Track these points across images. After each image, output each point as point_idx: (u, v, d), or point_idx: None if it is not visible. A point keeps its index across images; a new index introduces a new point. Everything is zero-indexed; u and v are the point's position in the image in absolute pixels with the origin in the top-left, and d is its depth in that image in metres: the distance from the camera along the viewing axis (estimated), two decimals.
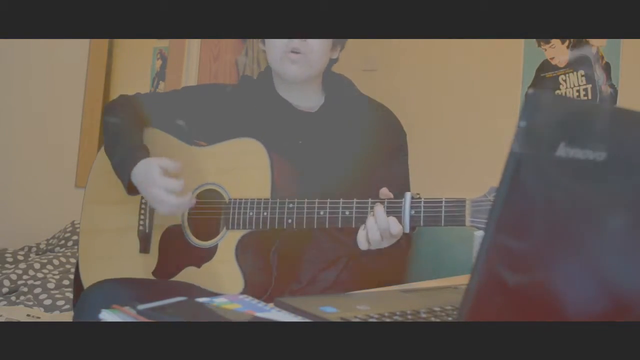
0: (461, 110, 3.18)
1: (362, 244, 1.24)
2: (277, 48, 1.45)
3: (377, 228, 1.20)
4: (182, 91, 1.65)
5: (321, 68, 1.50)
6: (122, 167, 1.42)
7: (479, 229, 1.13)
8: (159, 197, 1.33)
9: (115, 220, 1.54)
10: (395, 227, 1.19)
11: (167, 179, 1.33)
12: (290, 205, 1.31)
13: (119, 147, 1.46)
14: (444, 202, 1.16)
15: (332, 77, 1.57)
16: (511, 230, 0.58)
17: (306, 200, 1.30)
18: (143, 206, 1.52)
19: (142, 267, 1.49)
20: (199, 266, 1.41)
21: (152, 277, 1.47)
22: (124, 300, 0.82)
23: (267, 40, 1.50)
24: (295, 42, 1.43)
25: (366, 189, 1.47)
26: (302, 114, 1.53)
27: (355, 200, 1.25)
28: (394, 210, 1.20)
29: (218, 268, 1.38)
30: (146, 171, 1.37)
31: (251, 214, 1.34)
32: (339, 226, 1.27)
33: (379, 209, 1.20)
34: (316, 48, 1.45)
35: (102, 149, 1.56)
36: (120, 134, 1.49)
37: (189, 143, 1.52)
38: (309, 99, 1.53)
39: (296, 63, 1.44)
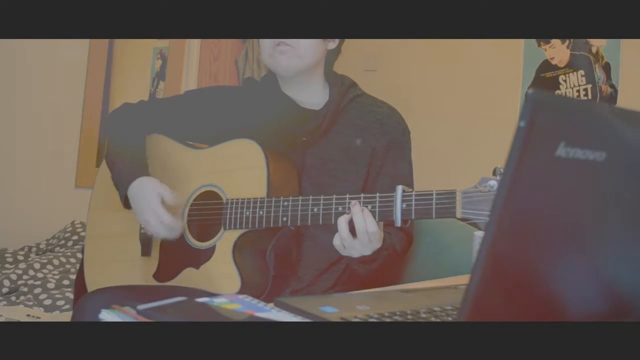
0: (461, 110, 3.19)
1: (338, 246, 1.25)
2: (266, 45, 1.47)
3: (347, 228, 1.22)
4: (185, 95, 1.66)
5: (314, 59, 1.49)
6: (120, 182, 1.47)
7: (471, 220, 1.13)
8: (151, 222, 1.40)
9: (118, 225, 1.55)
10: (372, 226, 1.20)
11: (163, 211, 1.39)
12: (285, 203, 1.31)
13: (119, 160, 1.50)
14: (434, 195, 1.16)
15: (336, 77, 1.57)
16: (511, 230, 0.58)
17: (300, 197, 1.30)
18: None
19: (143, 270, 1.49)
20: (197, 267, 1.41)
21: (153, 280, 1.48)
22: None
23: (260, 42, 1.51)
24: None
25: (370, 186, 1.48)
26: (306, 112, 1.53)
27: (348, 195, 1.26)
28: (385, 205, 1.20)
29: (216, 268, 1.39)
30: (144, 193, 1.41)
31: (247, 213, 1.35)
32: (333, 222, 1.27)
33: (356, 209, 1.21)
34: (304, 40, 1.45)
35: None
36: (121, 146, 1.51)
37: (190, 147, 1.53)
38: (313, 97, 1.53)
39: (284, 53, 1.45)
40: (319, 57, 1.50)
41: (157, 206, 1.38)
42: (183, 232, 1.46)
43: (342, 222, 1.22)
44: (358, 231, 1.21)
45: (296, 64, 1.46)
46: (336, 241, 1.25)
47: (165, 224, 1.39)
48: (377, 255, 1.29)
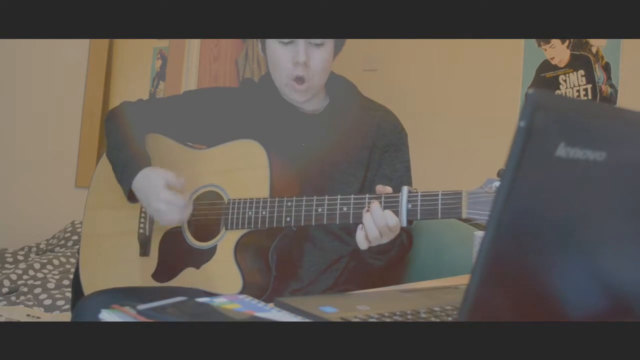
0: (461, 110, 3.19)
1: (362, 244, 1.24)
2: (282, 72, 1.45)
3: (375, 225, 1.21)
4: (183, 96, 1.65)
5: (323, 83, 1.50)
6: (124, 175, 1.45)
7: (476, 220, 1.14)
8: (161, 210, 1.36)
9: (117, 224, 1.54)
10: (392, 220, 1.20)
11: (170, 194, 1.36)
12: (289, 203, 1.31)
13: (120, 155, 1.48)
14: (440, 195, 1.17)
15: (335, 80, 1.57)
16: (511, 230, 0.58)
17: (304, 197, 1.30)
18: (144, 210, 1.52)
19: (141, 270, 1.49)
20: (198, 267, 1.41)
21: (151, 281, 1.47)
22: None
23: (270, 62, 1.49)
24: (299, 69, 1.43)
25: (368, 188, 1.48)
26: (305, 116, 1.53)
27: (352, 196, 1.26)
28: (391, 205, 1.21)
29: (217, 268, 1.38)
30: (149, 182, 1.39)
31: (250, 213, 1.35)
32: (337, 222, 1.28)
33: (375, 206, 1.21)
34: (319, 72, 1.45)
35: (105, 154, 1.57)
36: (122, 141, 1.50)
37: (189, 147, 1.53)
38: (312, 102, 1.53)
39: (300, 92, 1.45)
40: (326, 78, 1.50)
41: (163, 191, 1.36)
42: (182, 232, 1.45)
43: (369, 219, 1.22)
44: (379, 227, 1.21)
45: (310, 95, 1.48)
46: (360, 238, 1.24)
47: (176, 206, 1.35)
48: (392, 243, 1.29)
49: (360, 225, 1.24)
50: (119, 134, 1.53)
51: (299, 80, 1.43)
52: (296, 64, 1.42)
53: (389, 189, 1.24)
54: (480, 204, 1.12)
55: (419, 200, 1.19)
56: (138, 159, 1.45)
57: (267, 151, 1.38)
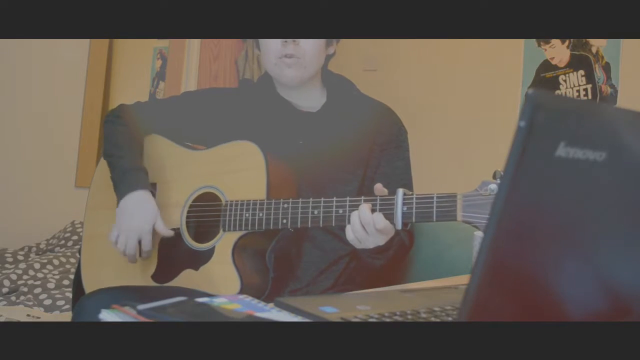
0: (461, 110, 3.18)
1: (350, 238, 1.25)
2: (270, 53, 1.46)
3: (360, 222, 1.21)
4: (182, 97, 1.66)
5: (317, 67, 1.50)
6: (119, 188, 1.48)
7: (471, 223, 1.13)
8: (130, 239, 1.44)
9: None
10: (380, 223, 1.20)
11: (149, 239, 1.44)
12: (285, 205, 1.31)
13: (120, 162, 1.50)
14: (435, 198, 1.16)
15: (332, 78, 1.57)
16: (511, 230, 0.58)
17: (300, 199, 1.30)
18: None
19: (141, 271, 1.49)
20: (196, 269, 1.41)
21: (151, 281, 1.48)
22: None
23: (261, 46, 1.50)
24: (289, 47, 1.43)
25: (367, 186, 1.48)
26: (303, 114, 1.53)
27: (348, 198, 1.26)
28: (386, 207, 1.20)
29: (215, 270, 1.38)
30: (141, 211, 1.44)
31: (247, 215, 1.35)
32: (333, 224, 1.28)
33: (363, 205, 1.22)
34: (309, 50, 1.45)
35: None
36: (121, 146, 1.51)
37: (188, 148, 1.53)
38: (310, 99, 1.53)
39: (291, 67, 1.45)
40: (321, 64, 1.51)
41: (147, 231, 1.42)
42: (181, 234, 1.46)
43: (355, 218, 1.23)
44: (367, 229, 1.21)
45: (301, 75, 1.47)
46: (350, 236, 1.25)
47: (143, 250, 1.44)
48: (390, 243, 1.29)
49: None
50: (117, 137, 1.53)
51: (289, 55, 1.45)
52: (285, 43, 1.43)
53: (386, 191, 1.24)
54: (475, 206, 1.12)
55: (414, 203, 1.18)
56: (137, 173, 1.47)
57: (264, 152, 1.38)
